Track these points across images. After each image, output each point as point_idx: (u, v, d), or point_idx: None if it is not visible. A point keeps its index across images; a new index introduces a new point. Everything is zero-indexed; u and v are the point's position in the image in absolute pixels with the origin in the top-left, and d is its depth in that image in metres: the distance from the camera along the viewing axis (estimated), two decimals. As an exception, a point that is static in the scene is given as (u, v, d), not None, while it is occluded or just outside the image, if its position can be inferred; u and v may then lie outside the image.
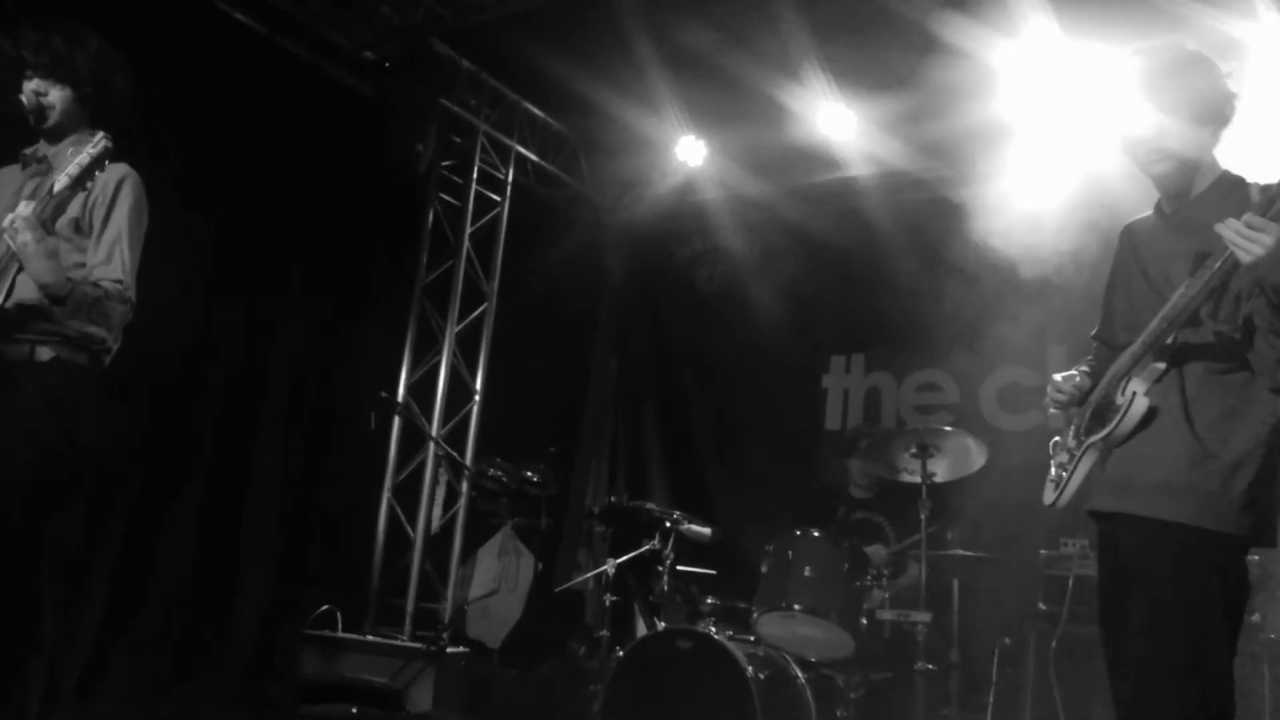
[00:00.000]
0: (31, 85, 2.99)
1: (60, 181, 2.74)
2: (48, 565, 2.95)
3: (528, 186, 7.36)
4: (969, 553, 4.89)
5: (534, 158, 7.25)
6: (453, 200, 6.84)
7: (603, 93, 6.33)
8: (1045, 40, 5.30)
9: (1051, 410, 2.74)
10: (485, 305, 6.87)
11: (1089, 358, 2.80)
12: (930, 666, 4.48)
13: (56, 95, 3.01)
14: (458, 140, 6.76)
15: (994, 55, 5.35)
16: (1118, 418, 2.42)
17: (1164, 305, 2.39)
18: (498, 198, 7.04)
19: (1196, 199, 2.50)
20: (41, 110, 3.01)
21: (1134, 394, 2.41)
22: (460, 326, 6.70)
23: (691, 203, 7.31)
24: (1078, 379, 2.68)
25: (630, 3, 5.52)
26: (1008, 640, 4.78)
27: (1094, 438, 2.51)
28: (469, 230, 6.81)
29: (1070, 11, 5.15)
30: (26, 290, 2.81)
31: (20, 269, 2.77)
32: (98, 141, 2.74)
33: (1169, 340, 2.39)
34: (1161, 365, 2.41)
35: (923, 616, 4.48)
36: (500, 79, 6.77)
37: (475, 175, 6.85)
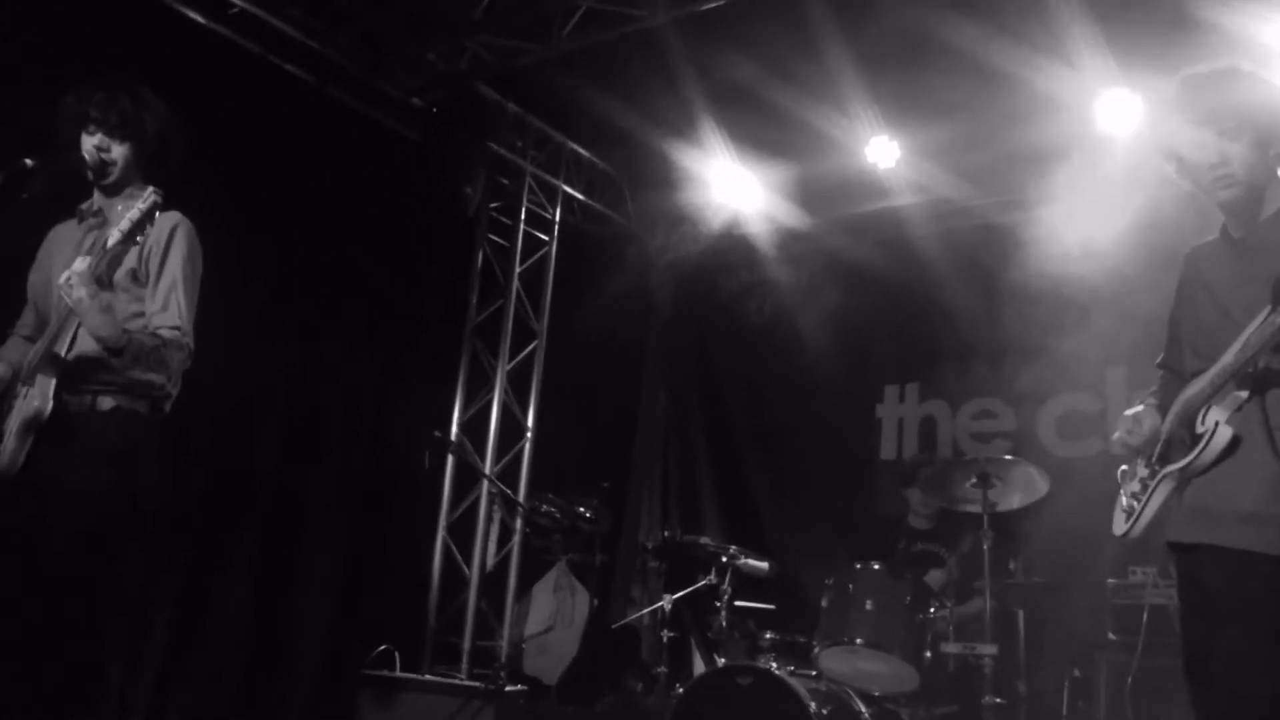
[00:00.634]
0: (94, 141, 3.02)
1: (113, 237, 2.79)
2: (111, 613, 2.98)
3: (575, 225, 7.41)
4: (1036, 580, 4.78)
5: (581, 196, 7.29)
6: (501, 241, 6.90)
7: (647, 129, 6.36)
8: (1096, 64, 5.24)
9: (1119, 451, 2.67)
10: (535, 343, 6.91)
11: (1154, 387, 2.74)
12: (998, 700, 4.35)
13: (119, 152, 3.05)
14: (505, 182, 6.81)
15: (1045, 81, 5.30)
16: (1200, 447, 2.36)
17: (1238, 331, 2.32)
18: (546, 237, 7.09)
19: (1266, 222, 2.45)
20: (103, 165, 3.05)
21: (1216, 423, 2.34)
22: (511, 365, 6.73)
23: (738, 235, 7.29)
24: (1149, 419, 2.59)
25: (673, 40, 5.54)
26: (1078, 672, 4.66)
27: (1171, 467, 2.44)
28: (518, 270, 6.86)
29: (1121, 35, 5.09)
30: (87, 343, 2.85)
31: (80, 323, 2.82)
32: (147, 196, 2.79)
33: (1251, 368, 2.32)
34: (1244, 394, 2.34)
35: (989, 649, 4.36)
36: (545, 120, 6.83)
37: (523, 215, 6.90)
